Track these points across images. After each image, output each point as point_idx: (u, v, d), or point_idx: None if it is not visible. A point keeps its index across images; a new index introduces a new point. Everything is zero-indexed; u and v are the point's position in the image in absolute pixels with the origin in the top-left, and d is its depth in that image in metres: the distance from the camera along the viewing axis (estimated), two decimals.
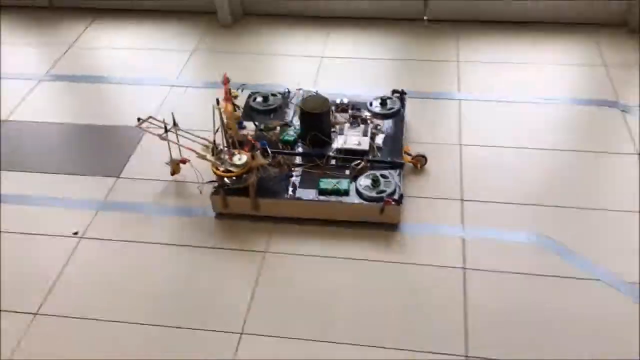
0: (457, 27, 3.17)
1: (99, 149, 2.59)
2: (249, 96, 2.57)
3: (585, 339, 1.79)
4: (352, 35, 3.21)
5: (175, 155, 2.33)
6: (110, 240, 2.16)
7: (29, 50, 3.24)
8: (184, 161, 2.32)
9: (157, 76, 2.97)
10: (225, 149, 2.13)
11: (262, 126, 2.41)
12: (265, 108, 2.52)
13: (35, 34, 3.38)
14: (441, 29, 3.18)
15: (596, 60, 2.87)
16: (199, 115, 2.38)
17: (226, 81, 2.16)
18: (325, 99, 2.34)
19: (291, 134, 2.36)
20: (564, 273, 1.95)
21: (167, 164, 2.33)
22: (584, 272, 1.94)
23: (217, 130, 2.15)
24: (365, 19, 3.28)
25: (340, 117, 2.44)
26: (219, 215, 2.21)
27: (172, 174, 2.34)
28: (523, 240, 2.06)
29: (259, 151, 2.14)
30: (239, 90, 2.27)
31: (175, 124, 2.25)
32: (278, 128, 2.40)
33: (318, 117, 2.30)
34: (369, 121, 2.42)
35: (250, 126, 2.40)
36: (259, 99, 2.55)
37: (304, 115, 2.32)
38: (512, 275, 1.96)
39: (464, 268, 1.98)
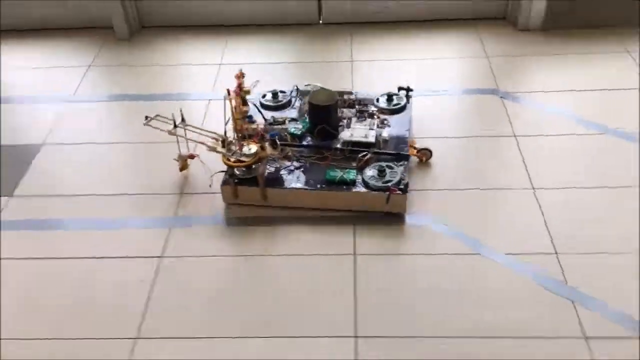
0: (350, 29, 3.36)
1: None
2: (263, 96, 2.65)
3: (468, 308, 1.91)
4: (249, 42, 3.33)
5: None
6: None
7: None
8: (192, 156, 2.38)
9: (54, 94, 2.98)
10: (235, 140, 2.22)
11: (271, 120, 2.49)
12: (275, 104, 2.62)
13: None
14: (335, 31, 3.34)
15: (479, 52, 3.07)
16: (107, 128, 2.60)
17: (240, 75, 2.25)
18: (333, 93, 2.45)
19: (299, 127, 2.45)
20: (450, 251, 2.09)
21: (175, 160, 2.38)
22: (468, 249, 2.08)
23: (227, 122, 2.23)
24: (262, 25, 3.42)
25: (348, 112, 2.54)
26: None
27: (181, 169, 2.41)
28: (418, 223, 2.21)
29: (268, 142, 2.23)
30: (253, 87, 2.34)
31: (183, 120, 2.31)
32: (287, 122, 2.49)
33: (326, 109, 2.39)
34: (375, 116, 2.53)
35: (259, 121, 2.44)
36: (269, 96, 2.65)
37: (313, 108, 2.41)
38: (400, 257, 2.10)
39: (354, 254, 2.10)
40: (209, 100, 2.85)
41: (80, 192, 2.40)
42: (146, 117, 2.33)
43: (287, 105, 2.62)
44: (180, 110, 2.32)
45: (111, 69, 3.14)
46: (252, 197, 2.26)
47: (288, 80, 2.93)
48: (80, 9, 3.37)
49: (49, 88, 3.02)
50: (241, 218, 2.26)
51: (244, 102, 2.35)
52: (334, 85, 2.76)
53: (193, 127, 2.34)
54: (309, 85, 2.65)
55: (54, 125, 2.76)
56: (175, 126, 2.30)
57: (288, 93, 2.66)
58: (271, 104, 2.63)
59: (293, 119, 2.51)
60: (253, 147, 2.21)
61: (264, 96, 2.65)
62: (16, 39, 3.40)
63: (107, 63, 3.18)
